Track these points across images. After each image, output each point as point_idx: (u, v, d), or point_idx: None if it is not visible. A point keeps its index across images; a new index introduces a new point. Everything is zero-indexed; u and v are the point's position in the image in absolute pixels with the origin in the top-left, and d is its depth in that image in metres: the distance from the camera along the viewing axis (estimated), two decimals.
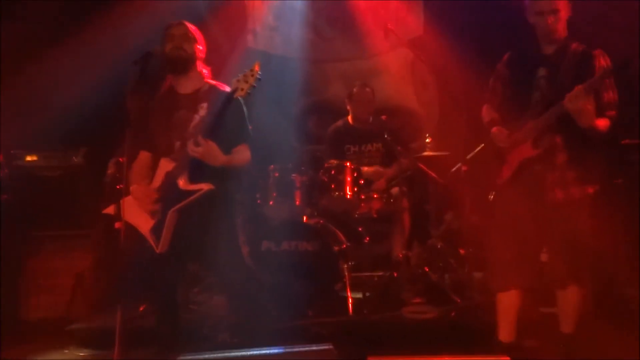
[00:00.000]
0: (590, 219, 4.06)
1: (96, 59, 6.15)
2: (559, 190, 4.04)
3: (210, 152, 3.89)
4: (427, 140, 6.23)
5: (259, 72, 3.80)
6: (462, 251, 5.94)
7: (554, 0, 4.05)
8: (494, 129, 4.22)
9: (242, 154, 4.15)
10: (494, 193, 4.28)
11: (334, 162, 5.91)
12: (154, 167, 4.11)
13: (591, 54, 4.06)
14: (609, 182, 5.34)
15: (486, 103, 4.42)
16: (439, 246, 5.97)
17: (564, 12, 4.08)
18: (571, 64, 4.04)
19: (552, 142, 4.05)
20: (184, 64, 4.10)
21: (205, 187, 3.92)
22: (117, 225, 3.73)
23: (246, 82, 3.80)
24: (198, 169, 3.95)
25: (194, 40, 4.12)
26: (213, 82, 4.20)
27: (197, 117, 4.00)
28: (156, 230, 3.96)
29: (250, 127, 4.21)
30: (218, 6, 7.27)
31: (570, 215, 4.03)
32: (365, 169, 6.07)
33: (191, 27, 4.15)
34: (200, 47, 4.16)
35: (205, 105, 4.00)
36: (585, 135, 3.94)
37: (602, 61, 4.03)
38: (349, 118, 6.45)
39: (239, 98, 3.93)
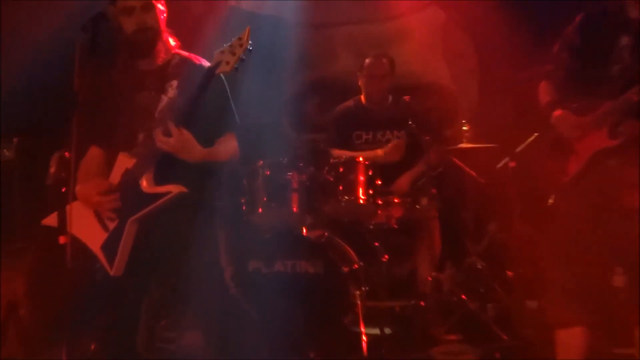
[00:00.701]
0: None
1: (31, 24, 6.16)
2: (636, 192, 4.03)
3: (185, 144, 3.88)
4: (464, 127, 6.25)
5: (250, 42, 3.80)
6: (509, 273, 5.95)
7: None
8: (557, 112, 4.23)
9: (228, 146, 4.16)
10: (554, 196, 4.29)
11: (343, 155, 5.92)
12: (107, 166, 4.11)
13: None
14: None
15: (545, 79, 4.43)
16: (479, 266, 5.99)
17: None
18: None
19: (634, 131, 4.04)
20: (151, 44, 4.10)
21: (174, 189, 3.92)
22: (61, 240, 3.73)
23: (233, 54, 3.80)
24: (167, 167, 3.95)
25: (156, 6, 4.09)
26: (184, 53, 4.21)
27: (164, 99, 4.02)
28: (110, 246, 3.97)
29: (235, 112, 4.22)
30: None
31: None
32: (379, 152, 6.07)
33: None
34: (162, 8, 4.14)
35: (175, 83, 4.02)
36: None
37: None
38: (362, 97, 6.47)
39: (222, 75, 3.93)
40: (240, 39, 3.81)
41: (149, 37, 4.06)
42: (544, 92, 4.41)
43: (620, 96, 4.04)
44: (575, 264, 4.11)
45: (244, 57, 3.80)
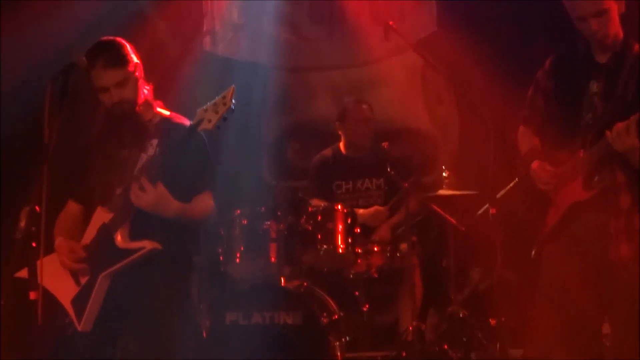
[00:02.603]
0: None
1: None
2: (624, 242, 4.01)
3: (160, 199, 3.89)
4: (444, 173, 6.25)
5: (233, 101, 3.79)
6: (493, 321, 5.93)
7: (597, 0, 4.02)
8: (534, 165, 4.23)
9: (203, 204, 4.17)
10: (536, 247, 4.28)
11: (321, 204, 5.92)
12: (85, 220, 4.12)
13: None
14: None
15: (523, 124, 4.44)
16: (461, 315, 5.97)
17: (614, 8, 4.07)
18: (633, 74, 4.04)
19: (612, 180, 4.04)
20: (129, 114, 4.10)
21: (148, 245, 3.92)
22: (31, 295, 3.69)
23: (215, 112, 3.79)
24: (142, 222, 3.96)
25: (130, 75, 4.08)
26: (166, 112, 4.26)
27: (144, 157, 4.02)
28: (80, 300, 3.96)
29: (213, 170, 4.23)
30: (164, 2, 7.34)
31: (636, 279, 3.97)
32: (361, 211, 6.08)
33: (119, 53, 4.08)
34: (137, 61, 4.14)
35: (155, 141, 4.04)
36: None
37: None
38: (341, 145, 6.49)
39: (203, 132, 3.91)
40: (224, 97, 3.79)
41: (126, 110, 4.07)
42: (522, 139, 4.41)
43: (593, 145, 4.01)
44: (560, 313, 4.09)
45: (226, 117, 3.79)
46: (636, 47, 4.13)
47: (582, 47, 4.22)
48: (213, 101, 3.81)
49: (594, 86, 4.12)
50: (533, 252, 4.30)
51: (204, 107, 3.82)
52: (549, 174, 4.15)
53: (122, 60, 4.05)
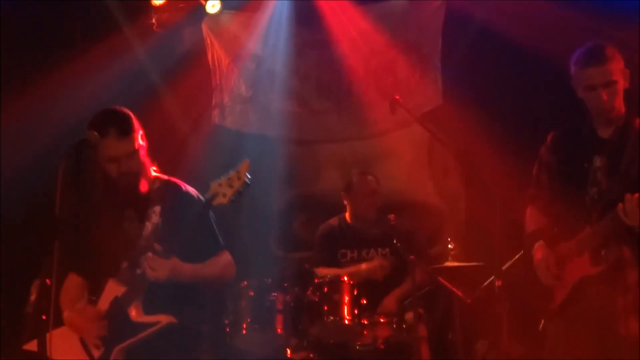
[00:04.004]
0: None
1: (11, 148, 6.21)
2: (633, 318, 3.99)
3: (173, 269, 3.92)
4: (450, 246, 6.28)
5: (248, 175, 3.86)
6: None
7: (608, 69, 4.08)
8: (538, 254, 4.22)
9: (221, 260, 4.20)
10: (543, 321, 4.26)
11: (328, 275, 5.94)
12: (92, 291, 4.14)
13: None
14: None
15: (530, 202, 4.46)
16: None
17: (622, 82, 4.14)
18: (633, 147, 4.07)
19: (619, 256, 4.02)
20: (134, 186, 4.13)
21: (164, 319, 3.95)
22: None
23: (230, 186, 3.86)
24: (156, 295, 3.98)
25: (140, 146, 4.12)
26: (164, 177, 4.28)
27: (148, 226, 4.07)
28: None
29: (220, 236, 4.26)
30: (175, 74, 7.46)
31: None
32: (364, 266, 6.14)
33: (130, 123, 4.10)
34: (141, 142, 4.16)
35: (157, 209, 4.09)
36: None
37: None
38: (346, 215, 6.54)
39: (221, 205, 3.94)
40: (238, 172, 3.86)
41: (132, 181, 4.10)
42: (530, 220, 4.42)
43: (599, 221, 4.02)
44: None
45: (241, 190, 3.85)
46: (637, 122, 4.17)
47: (585, 122, 4.26)
48: (227, 175, 3.87)
49: (598, 161, 4.14)
50: (540, 326, 4.29)
51: (218, 181, 3.87)
52: (551, 268, 4.14)
53: (133, 130, 4.08)
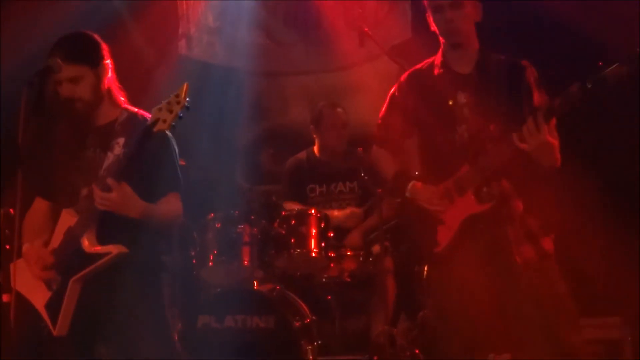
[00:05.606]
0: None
1: None
2: (525, 244, 4.00)
3: (125, 199, 3.85)
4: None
5: (187, 99, 3.74)
6: None
7: None
8: (417, 185, 4.13)
9: (171, 205, 4.12)
10: (427, 267, 4.24)
11: (295, 208, 5.95)
12: (54, 219, 4.06)
13: (521, 65, 4.09)
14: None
15: (377, 145, 4.47)
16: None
17: (471, 10, 4.07)
18: (498, 81, 4.06)
19: (500, 190, 4.00)
20: (82, 114, 4.05)
21: (115, 249, 3.89)
22: (5, 297, 3.69)
23: (170, 111, 3.74)
24: (109, 224, 3.92)
25: (89, 74, 4.00)
26: (133, 109, 4.19)
27: (110, 157, 3.99)
28: (53, 305, 3.92)
29: (179, 170, 4.17)
30: (141, 4, 7.33)
31: (548, 276, 3.97)
32: (335, 213, 6.12)
33: (81, 49, 3.99)
34: (106, 62, 4.07)
35: (121, 140, 4.00)
36: (538, 171, 3.94)
37: (532, 75, 4.04)
38: (315, 149, 6.53)
39: (162, 132, 3.84)
40: (177, 95, 3.74)
41: (78, 108, 4.01)
42: (384, 161, 4.45)
43: (478, 157, 3.96)
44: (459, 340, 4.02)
45: (181, 115, 3.73)
46: (494, 56, 4.16)
47: (439, 58, 4.22)
48: (167, 100, 3.75)
49: (462, 97, 4.09)
50: (424, 274, 4.28)
51: (158, 106, 3.77)
52: (435, 194, 4.06)
53: (81, 57, 3.97)
